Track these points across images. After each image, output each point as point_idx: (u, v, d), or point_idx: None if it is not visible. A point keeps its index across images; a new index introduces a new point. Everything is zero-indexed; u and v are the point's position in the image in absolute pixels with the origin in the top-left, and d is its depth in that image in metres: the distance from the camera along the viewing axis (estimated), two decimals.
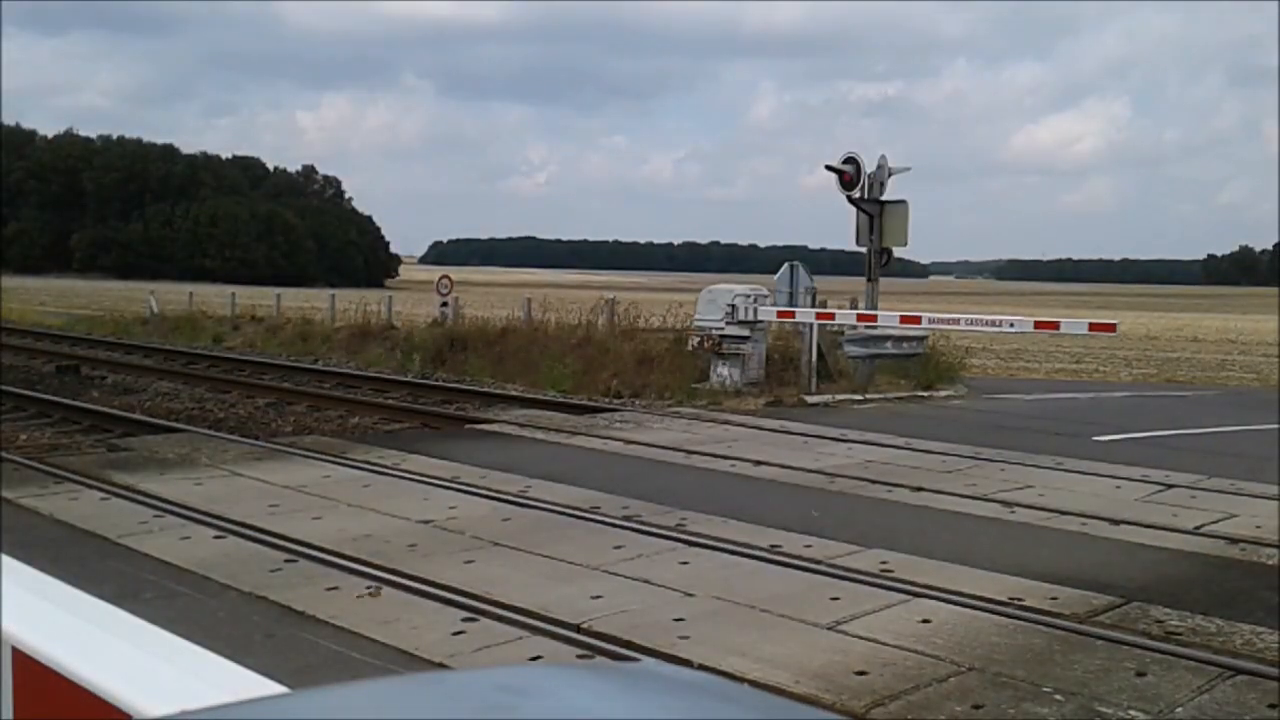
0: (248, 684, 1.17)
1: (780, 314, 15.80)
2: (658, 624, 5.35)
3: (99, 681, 1.22)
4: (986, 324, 15.32)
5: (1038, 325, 15.07)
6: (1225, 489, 9.12)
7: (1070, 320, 14.76)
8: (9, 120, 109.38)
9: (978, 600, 5.82)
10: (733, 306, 15.52)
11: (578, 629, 5.25)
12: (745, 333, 15.56)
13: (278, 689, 1.10)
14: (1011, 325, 15.18)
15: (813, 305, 15.92)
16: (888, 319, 15.69)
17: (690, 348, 15.85)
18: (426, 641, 5.06)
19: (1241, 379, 23.33)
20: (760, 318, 15.59)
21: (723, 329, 15.54)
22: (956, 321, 15.48)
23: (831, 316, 15.83)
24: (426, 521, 7.27)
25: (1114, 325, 14.29)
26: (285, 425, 12.99)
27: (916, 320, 15.68)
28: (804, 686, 4.59)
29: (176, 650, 1.29)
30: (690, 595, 5.82)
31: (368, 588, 5.78)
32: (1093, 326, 14.18)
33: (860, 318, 15.92)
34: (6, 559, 1.71)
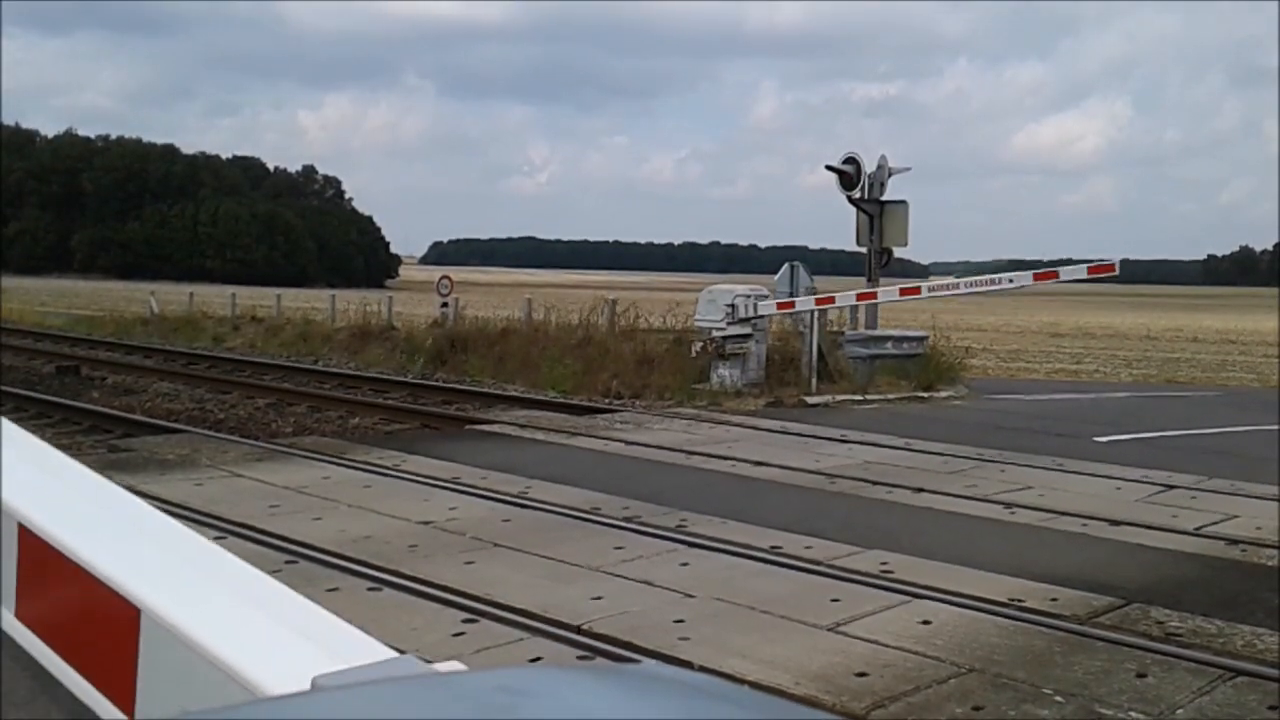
0: (260, 586, 1.14)
1: (780, 305, 15.85)
2: (658, 625, 5.34)
3: (106, 570, 1.18)
4: (986, 284, 15.21)
5: (1036, 277, 14.88)
6: (1225, 490, 9.12)
7: (1069, 268, 14.65)
8: (9, 120, 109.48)
9: (978, 601, 5.82)
10: (732, 306, 15.56)
11: (578, 630, 5.25)
12: (747, 330, 15.60)
13: (278, 586, 1.10)
14: (1010, 281, 15.07)
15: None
16: (887, 293, 15.83)
17: (694, 354, 15.84)
18: (426, 643, 5.06)
19: (1242, 379, 23.34)
20: (761, 312, 15.65)
21: (723, 329, 15.55)
22: (956, 286, 15.44)
23: (832, 300, 15.85)
24: (427, 522, 7.27)
25: (1113, 265, 14.21)
26: (285, 426, 12.99)
27: (916, 290, 15.74)
28: (804, 688, 4.59)
29: (193, 548, 1.24)
30: (690, 596, 5.82)
31: None
32: (1091, 270, 14.22)
33: (860, 296, 15.98)
34: (12, 427, 1.62)
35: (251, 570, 1.17)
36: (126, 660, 1.14)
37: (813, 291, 16.37)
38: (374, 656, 0.97)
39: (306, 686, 0.89)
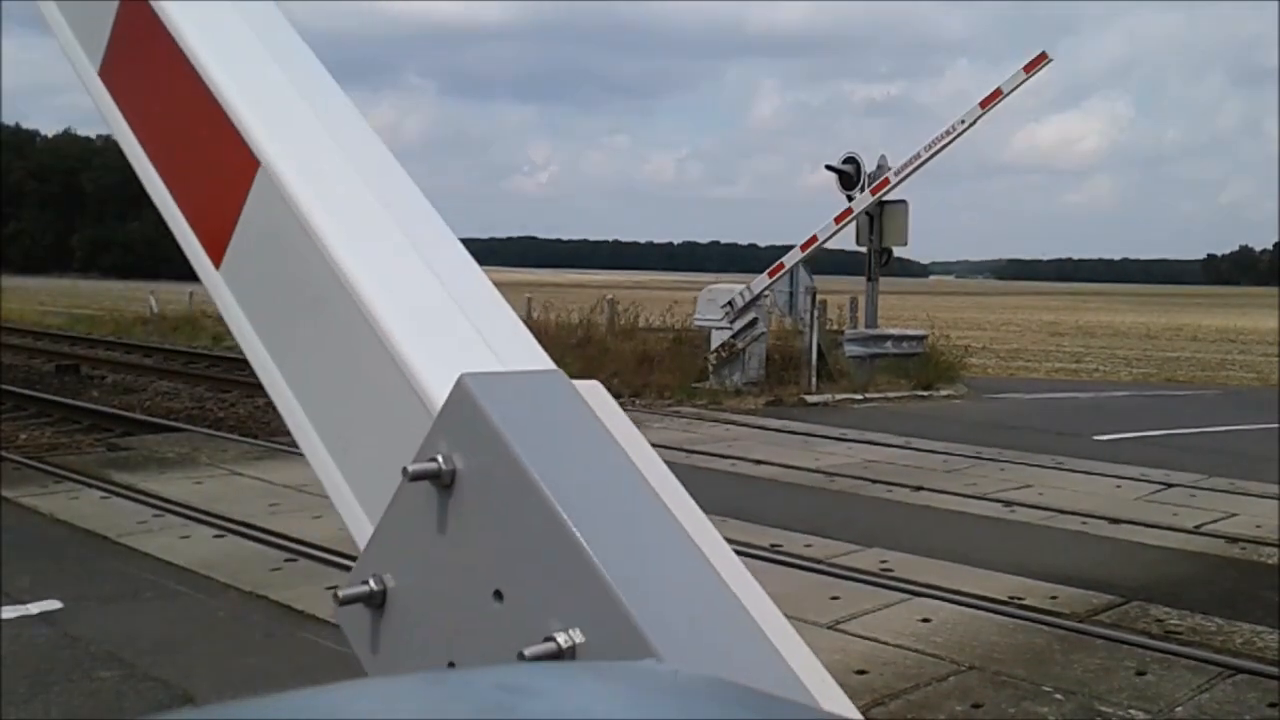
0: (436, 234, 0.91)
1: (771, 273, 15.93)
2: None
3: (233, 100, 0.92)
4: (945, 139, 15.30)
5: (983, 104, 15.06)
6: (1225, 488, 9.13)
7: (1009, 79, 14.89)
8: (10, 120, 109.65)
9: (978, 599, 5.83)
10: (730, 303, 15.64)
11: None
12: (753, 316, 15.70)
13: (462, 253, 0.91)
14: (963, 121, 15.22)
15: (813, 304, 15.95)
16: (862, 201, 16.11)
17: (712, 364, 15.86)
18: None
19: (1241, 378, 23.33)
20: (756, 290, 15.76)
21: (729, 327, 15.63)
22: (919, 157, 15.61)
23: (815, 240, 16.03)
24: None
25: (1045, 55, 14.69)
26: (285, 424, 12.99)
27: (885, 183, 15.98)
28: None
29: (359, 143, 0.96)
30: None
31: None
32: (1026, 68, 14.73)
33: (838, 219, 16.06)
34: None
35: (432, 216, 0.92)
36: (227, 210, 0.94)
37: (813, 291, 16.39)
38: (528, 364, 0.82)
39: (436, 362, 0.78)
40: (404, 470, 0.74)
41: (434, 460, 0.74)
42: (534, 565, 0.69)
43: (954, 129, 15.25)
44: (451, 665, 0.74)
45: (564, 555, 0.67)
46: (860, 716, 0.72)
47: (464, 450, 0.74)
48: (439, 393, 0.77)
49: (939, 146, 15.39)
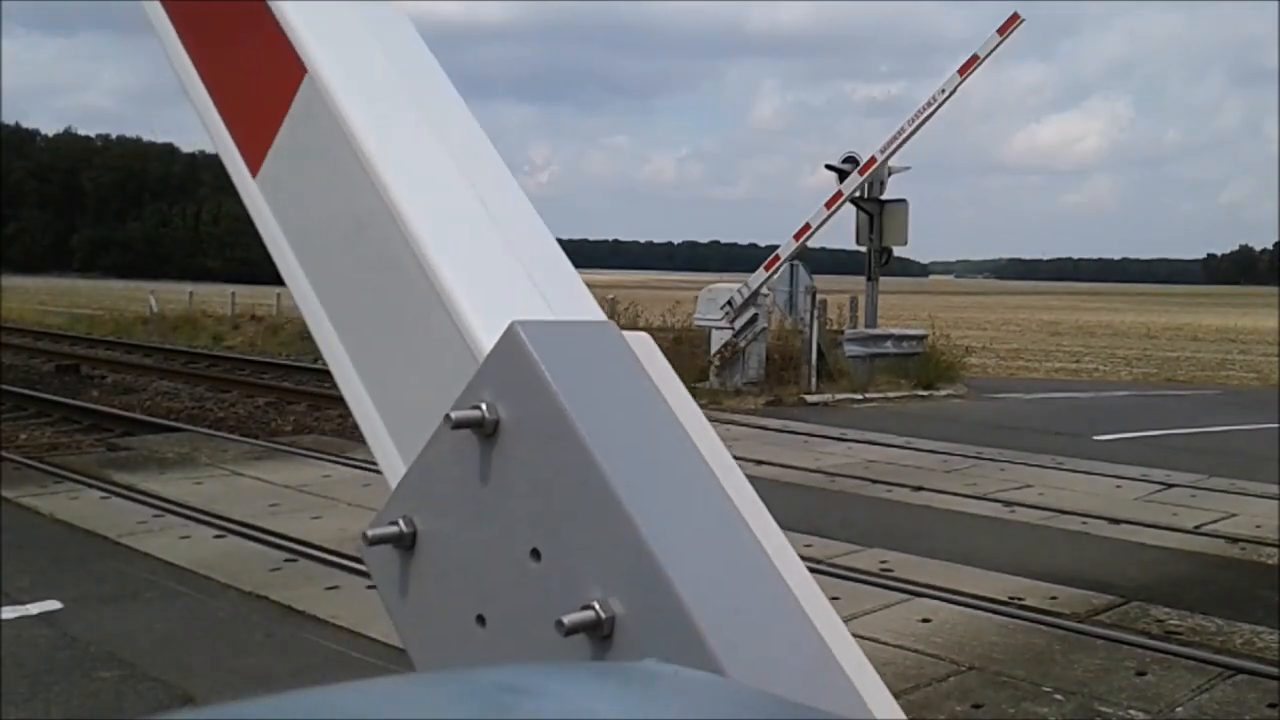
0: (490, 164, 0.87)
1: (767, 266, 15.97)
2: None
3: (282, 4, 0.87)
4: (928, 106, 15.39)
5: (961, 71, 15.18)
6: (1225, 488, 9.13)
7: (986, 43, 15.03)
8: (10, 120, 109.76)
9: (978, 600, 5.82)
10: (730, 302, 15.66)
11: None
12: (753, 312, 15.72)
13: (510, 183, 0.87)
14: (944, 91, 15.31)
15: (813, 304, 15.96)
16: (851, 182, 16.09)
17: (714, 368, 15.88)
18: None
19: (1242, 378, 23.33)
20: (753, 285, 15.79)
21: (731, 327, 15.64)
22: (904, 132, 15.68)
23: (808, 228, 16.05)
24: None
25: (1015, 15, 14.87)
26: (285, 424, 12.99)
27: (873, 161, 15.94)
28: None
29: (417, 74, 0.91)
30: None
31: None
32: (1000, 30, 15.00)
33: (828, 204, 16.04)
34: None
35: (489, 153, 0.88)
36: (269, 117, 0.89)
37: (812, 290, 16.40)
38: (580, 314, 0.79)
39: (484, 304, 0.75)
40: (446, 416, 0.71)
41: (478, 408, 0.71)
42: (576, 527, 0.67)
43: (935, 99, 15.30)
44: (481, 619, 0.72)
45: (608, 520, 0.65)
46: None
47: (509, 400, 0.71)
48: (485, 336, 0.74)
49: (922, 119, 15.43)
